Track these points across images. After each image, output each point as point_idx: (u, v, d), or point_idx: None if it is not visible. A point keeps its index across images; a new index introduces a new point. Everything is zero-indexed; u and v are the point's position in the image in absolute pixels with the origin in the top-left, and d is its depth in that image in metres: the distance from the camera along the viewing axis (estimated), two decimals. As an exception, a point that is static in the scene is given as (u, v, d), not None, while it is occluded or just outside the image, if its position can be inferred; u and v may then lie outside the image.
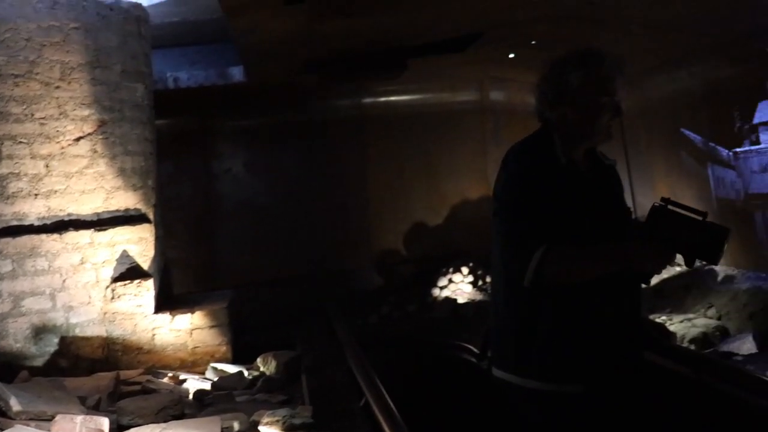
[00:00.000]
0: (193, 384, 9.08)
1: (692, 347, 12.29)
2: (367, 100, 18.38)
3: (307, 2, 9.04)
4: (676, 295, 14.14)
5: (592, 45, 4.14)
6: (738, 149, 14.21)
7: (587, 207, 3.96)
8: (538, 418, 4.03)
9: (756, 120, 13.57)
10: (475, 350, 8.37)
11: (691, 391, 5.49)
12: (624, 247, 3.88)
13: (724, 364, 6.92)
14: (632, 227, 4.05)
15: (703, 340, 12.62)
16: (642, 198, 17.95)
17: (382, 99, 18.47)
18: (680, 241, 3.78)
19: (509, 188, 3.95)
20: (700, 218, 3.79)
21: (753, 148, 13.80)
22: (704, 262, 3.91)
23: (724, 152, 14.70)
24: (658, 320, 13.41)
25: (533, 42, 14.00)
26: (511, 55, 15.57)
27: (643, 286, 4.09)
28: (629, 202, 4.13)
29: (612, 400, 3.98)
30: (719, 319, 13.50)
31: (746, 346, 11.78)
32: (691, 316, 13.73)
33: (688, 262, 3.86)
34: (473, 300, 17.02)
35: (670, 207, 3.83)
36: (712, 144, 15.06)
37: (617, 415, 4.03)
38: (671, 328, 13.04)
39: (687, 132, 15.84)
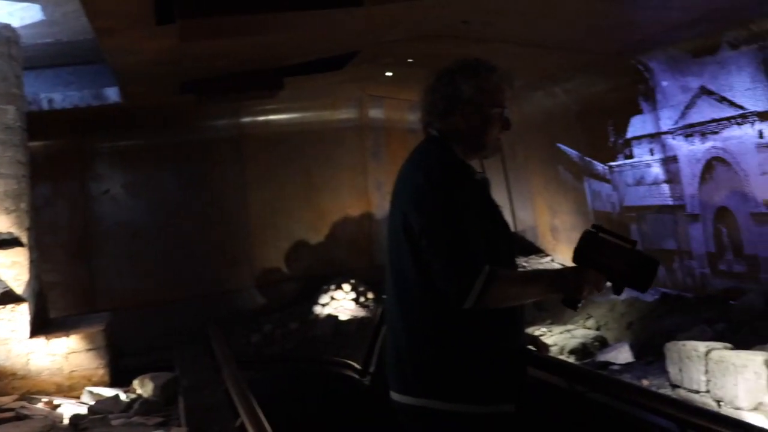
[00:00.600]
0: (69, 409, 8.95)
1: (572, 358, 12.46)
2: (246, 119, 18.33)
3: (178, 22, 8.95)
4: (556, 307, 14.30)
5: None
6: (613, 163, 14.47)
7: (495, 222, 3.91)
8: None
9: (629, 134, 13.84)
10: (357, 366, 8.33)
11: (565, 401, 5.55)
12: (560, 272, 3.84)
13: (594, 373, 7.02)
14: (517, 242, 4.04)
15: (583, 350, 12.81)
16: (521, 212, 18.17)
17: (261, 118, 18.43)
18: (610, 269, 3.77)
19: (437, 203, 3.69)
20: (629, 246, 3.82)
21: (627, 162, 14.07)
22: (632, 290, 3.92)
23: (600, 166, 14.95)
24: (538, 332, 13.58)
25: (410, 60, 14.07)
26: (389, 74, 15.63)
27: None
28: (508, 216, 4.07)
29: (525, 416, 3.92)
30: (598, 329, 13.71)
31: (623, 355, 11.98)
32: (570, 327, 13.93)
33: (617, 290, 3.86)
34: (355, 316, 17.06)
35: (601, 234, 3.79)
36: (587, 158, 15.32)
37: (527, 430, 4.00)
38: (551, 339, 13.22)
39: (564, 147, 16.08)
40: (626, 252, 3.76)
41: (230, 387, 7.34)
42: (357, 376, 8.23)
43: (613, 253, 3.75)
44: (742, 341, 10.21)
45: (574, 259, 3.78)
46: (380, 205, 18.73)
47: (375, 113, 19.36)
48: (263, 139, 18.63)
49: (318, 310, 17.53)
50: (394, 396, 3.96)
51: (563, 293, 3.74)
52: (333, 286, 17.83)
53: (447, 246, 3.63)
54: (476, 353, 3.77)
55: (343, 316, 17.16)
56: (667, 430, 4.55)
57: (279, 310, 17.94)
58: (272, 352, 15.34)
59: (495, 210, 3.97)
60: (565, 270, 3.83)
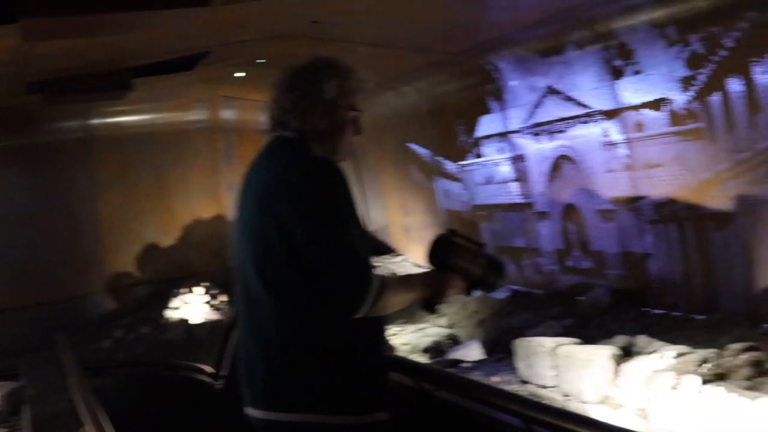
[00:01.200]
0: None
1: (425, 356, 12.57)
2: (95, 121, 17.96)
3: (21, 21, 8.75)
4: (409, 306, 14.37)
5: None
6: (463, 162, 14.63)
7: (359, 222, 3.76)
8: None
9: (479, 134, 14.01)
10: (209, 370, 8.25)
11: (414, 400, 5.57)
12: (428, 276, 3.83)
13: (440, 371, 7.10)
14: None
15: (435, 348, 12.94)
16: (374, 212, 18.24)
17: (111, 120, 18.10)
18: (466, 272, 3.80)
19: (324, 210, 3.52)
20: (478, 248, 3.85)
21: (477, 161, 14.24)
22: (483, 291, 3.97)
23: (450, 165, 15.10)
24: (391, 331, 13.64)
25: (261, 60, 14.01)
26: (240, 74, 15.54)
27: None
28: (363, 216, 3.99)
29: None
30: (451, 327, 13.83)
31: (473, 352, 12.15)
32: (423, 326, 14.03)
33: (468, 292, 3.91)
34: (208, 319, 16.96)
35: (454, 238, 3.82)
36: (438, 158, 15.45)
37: None
38: (405, 338, 13.31)
39: (415, 146, 16.19)
40: (477, 254, 3.81)
41: (75, 395, 7.22)
42: (209, 380, 8.16)
43: (467, 256, 3.80)
44: (589, 336, 10.46)
45: (431, 263, 3.81)
46: (232, 207, 18.56)
47: (227, 114, 19.25)
48: (114, 140, 18.30)
49: (170, 313, 17.39)
50: (256, 413, 3.78)
51: (430, 297, 3.77)
52: (185, 289, 17.70)
53: (338, 255, 3.50)
54: (355, 362, 3.66)
55: (196, 320, 17.05)
56: (512, 427, 4.60)
57: (130, 315, 17.68)
58: (123, 358, 15.12)
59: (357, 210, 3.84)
60: (431, 274, 3.82)
